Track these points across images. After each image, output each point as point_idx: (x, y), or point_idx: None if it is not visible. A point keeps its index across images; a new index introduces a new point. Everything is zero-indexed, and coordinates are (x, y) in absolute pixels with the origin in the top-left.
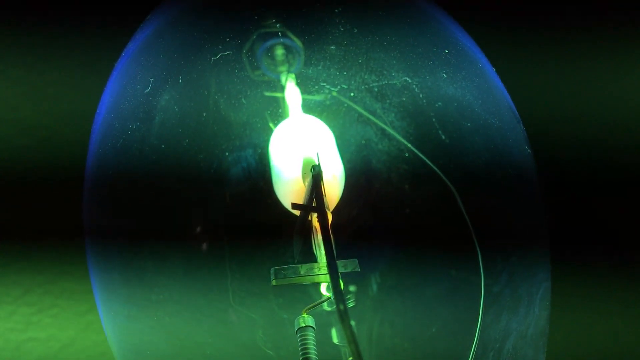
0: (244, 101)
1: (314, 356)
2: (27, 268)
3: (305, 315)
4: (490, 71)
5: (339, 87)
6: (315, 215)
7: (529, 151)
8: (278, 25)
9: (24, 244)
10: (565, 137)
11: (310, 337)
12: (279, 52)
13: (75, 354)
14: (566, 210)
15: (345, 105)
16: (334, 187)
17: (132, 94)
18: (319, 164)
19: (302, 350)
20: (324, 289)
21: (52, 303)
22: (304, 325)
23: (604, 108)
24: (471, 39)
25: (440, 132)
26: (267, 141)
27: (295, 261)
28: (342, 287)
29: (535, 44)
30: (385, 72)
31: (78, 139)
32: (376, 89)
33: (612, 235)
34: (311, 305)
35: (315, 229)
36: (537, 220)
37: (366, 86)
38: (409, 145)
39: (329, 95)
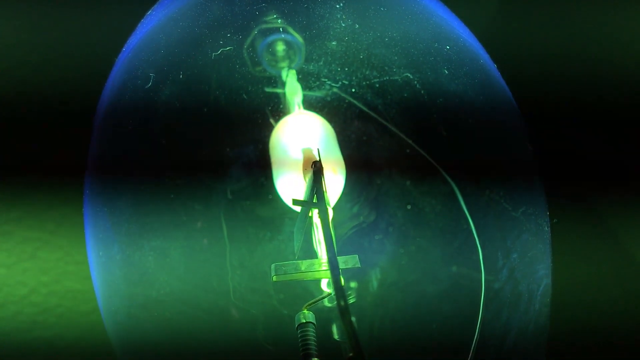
0: (245, 97)
1: (314, 352)
2: (32, 268)
3: (305, 311)
4: (491, 67)
5: (340, 83)
6: (316, 211)
7: (531, 148)
8: (279, 20)
9: (29, 244)
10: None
11: (311, 333)
12: (280, 47)
13: (80, 353)
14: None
15: (347, 101)
16: (334, 183)
17: (133, 89)
18: (319, 159)
19: (302, 346)
20: (324, 285)
21: (57, 303)
22: (304, 321)
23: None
24: (473, 35)
25: (441, 128)
26: (267, 137)
27: (296, 257)
28: (342, 283)
29: None
30: (386, 68)
31: (79, 133)
32: (377, 85)
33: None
34: (312, 301)
35: (316, 224)
36: (540, 217)
37: (367, 82)
38: (410, 141)
39: (330, 91)
